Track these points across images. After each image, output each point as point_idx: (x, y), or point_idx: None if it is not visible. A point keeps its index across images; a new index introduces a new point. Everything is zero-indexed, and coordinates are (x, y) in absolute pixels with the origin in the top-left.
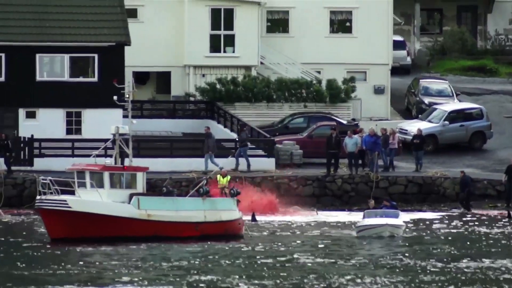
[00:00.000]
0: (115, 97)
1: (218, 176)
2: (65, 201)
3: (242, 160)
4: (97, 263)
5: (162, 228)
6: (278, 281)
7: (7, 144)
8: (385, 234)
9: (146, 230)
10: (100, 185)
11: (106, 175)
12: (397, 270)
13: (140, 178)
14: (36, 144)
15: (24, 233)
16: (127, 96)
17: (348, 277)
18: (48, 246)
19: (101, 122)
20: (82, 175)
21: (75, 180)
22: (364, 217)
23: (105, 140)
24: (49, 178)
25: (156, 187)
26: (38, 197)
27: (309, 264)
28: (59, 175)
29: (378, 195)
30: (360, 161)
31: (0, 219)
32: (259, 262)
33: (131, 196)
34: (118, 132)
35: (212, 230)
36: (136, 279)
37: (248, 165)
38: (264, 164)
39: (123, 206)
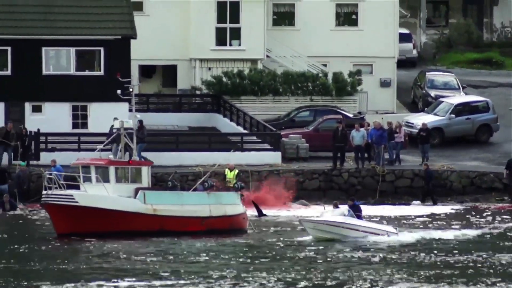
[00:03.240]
0: (118, 91)
1: (226, 169)
2: (72, 196)
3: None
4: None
5: (167, 223)
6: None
7: (25, 138)
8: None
9: (152, 225)
10: (106, 179)
11: (111, 170)
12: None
13: (145, 173)
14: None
15: (31, 227)
16: (131, 89)
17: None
18: (56, 241)
19: (107, 116)
20: (88, 170)
21: (81, 174)
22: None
23: (109, 135)
24: (55, 172)
25: (162, 181)
26: (44, 192)
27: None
28: (65, 169)
29: (385, 188)
30: (366, 155)
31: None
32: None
33: (136, 190)
34: (123, 126)
35: (217, 225)
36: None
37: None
38: (270, 157)
39: (129, 200)
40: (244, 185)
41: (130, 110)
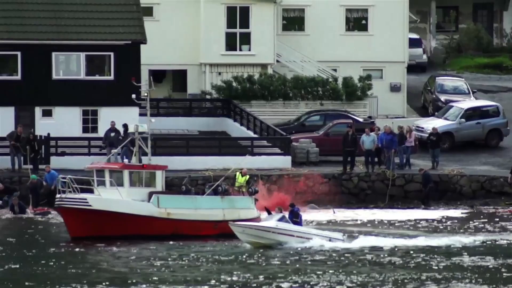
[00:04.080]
0: (133, 95)
1: (237, 174)
2: (86, 199)
3: None
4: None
5: (181, 227)
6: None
7: (33, 143)
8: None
9: (165, 229)
10: (120, 183)
11: (125, 174)
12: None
13: (159, 177)
14: (52, 143)
15: (43, 231)
16: (146, 94)
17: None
18: (71, 244)
19: (117, 121)
20: (102, 174)
21: (95, 178)
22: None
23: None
24: (69, 176)
25: (173, 185)
26: (58, 195)
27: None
28: (75, 173)
29: (395, 193)
30: (376, 159)
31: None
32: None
33: (150, 194)
34: (137, 131)
35: (230, 229)
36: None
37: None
38: (281, 162)
39: (143, 204)
40: (258, 190)
41: (141, 115)
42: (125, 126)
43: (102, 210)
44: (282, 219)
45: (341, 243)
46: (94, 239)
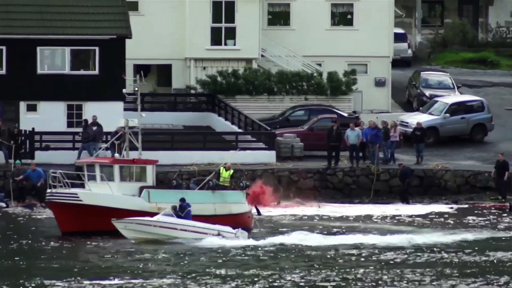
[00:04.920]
0: (124, 90)
1: (221, 168)
2: (76, 194)
3: None
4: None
5: None
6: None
7: (17, 139)
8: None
9: None
10: (110, 178)
11: (116, 168)
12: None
13: (150, 171)
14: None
15: (33, 227)
16: (136, 89)
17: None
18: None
19: (102, 115)
20: (92, 168)
21: (85, 173)
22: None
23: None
24: (59, 171)
25: (157, 179)
26: (48, 190)
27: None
28: (59, 168)
29: (379, 188)
30: (361, 154)
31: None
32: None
33: (141, 189)
34: (127, 125)
35: (221, 223)
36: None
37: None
38: (265, 157)
39: (134, 199)
40: (249, 184)
41: (126, 110)
42: (85, 121)
43: (92, 204)
44: (166, 213)
45: (233, 238)
46: (85, 234)
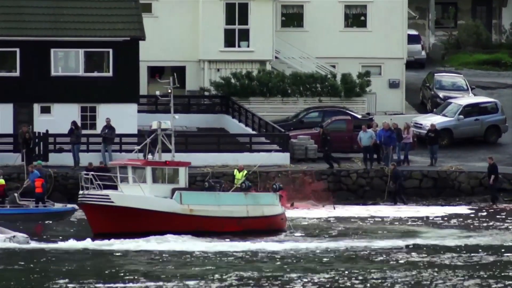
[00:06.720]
0: (157, 92)
1: (235, 170)
2: (108, 196)
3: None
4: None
5: (204, 223)
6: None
7: (29, 143)
8: None
9: (188, 225)
10: (142, 180)
11: (148, 170)
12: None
13: (183, 173)
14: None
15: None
16: (169, 91)
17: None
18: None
19: (116, 117)
20: (124, 170)
21: (118, 175)
22: None
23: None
24: (92, 173)
25: None
26: (80, 192)
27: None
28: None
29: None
30: (375, 156)
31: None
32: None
33: (173, 191)
34: (160, 127)
35: (254, 225)
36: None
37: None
38: (279, 158)
39: (166, 201)
40: (283, 186)
41: (140, 112)
42: (74, 123)
43: (124, 206)
44: None
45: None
46: (117, 236)
